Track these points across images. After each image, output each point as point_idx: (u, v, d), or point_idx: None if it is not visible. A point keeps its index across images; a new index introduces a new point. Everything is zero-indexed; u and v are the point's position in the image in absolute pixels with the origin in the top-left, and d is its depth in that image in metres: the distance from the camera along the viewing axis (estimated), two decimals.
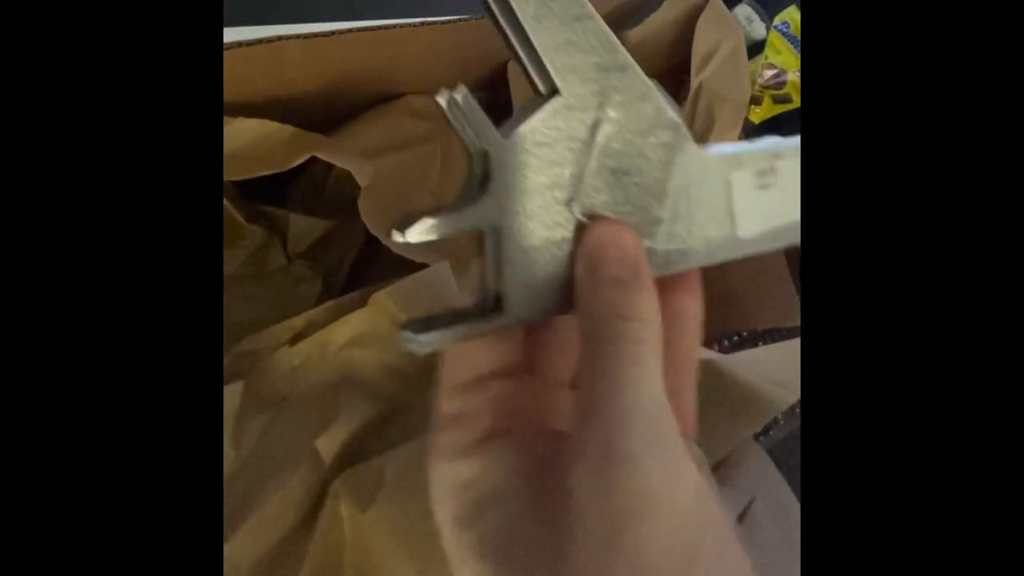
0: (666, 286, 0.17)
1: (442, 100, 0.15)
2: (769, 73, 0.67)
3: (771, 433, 0.51)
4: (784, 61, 0.67)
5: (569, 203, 0.17)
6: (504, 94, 0.47)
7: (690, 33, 0.40)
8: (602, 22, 0.17)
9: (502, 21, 0.16)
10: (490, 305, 0.16)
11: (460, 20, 0.38)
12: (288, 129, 0.33)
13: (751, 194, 0.18)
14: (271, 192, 0.40)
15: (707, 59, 0.40)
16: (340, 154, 0.33)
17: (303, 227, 0.39)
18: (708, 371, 0.45)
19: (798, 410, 0.50)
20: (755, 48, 0.71)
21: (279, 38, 0.33)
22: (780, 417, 0.53)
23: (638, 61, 0.16)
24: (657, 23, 0.40)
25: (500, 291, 0.16)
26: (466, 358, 0.17)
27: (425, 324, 0.15)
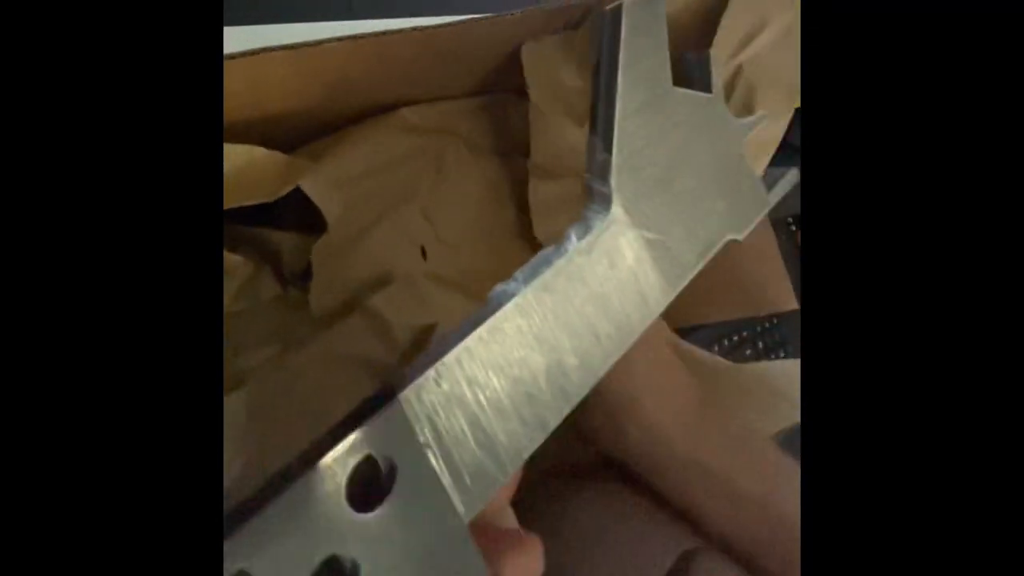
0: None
1: None
2: None
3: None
4: None
5: None
6: (497, 97, 0.45)
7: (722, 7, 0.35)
8: None
9: None
10: None
11: (450, 24, 0.36)
12: (278, 156, 0.31)
13: None
14: (257, 214, 0.38)
15: (749, 37, 0.35)
16: (318, 187, 0.32)
17: (297, 246, 0.37)
18: (711, 376, 0.44)
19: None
20: None
21: (264, 50, 0.31)
22: None
23: None
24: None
25: None
26: None
27: None
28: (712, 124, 0.21)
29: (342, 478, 0.12)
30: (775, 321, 0.52)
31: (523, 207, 0.43)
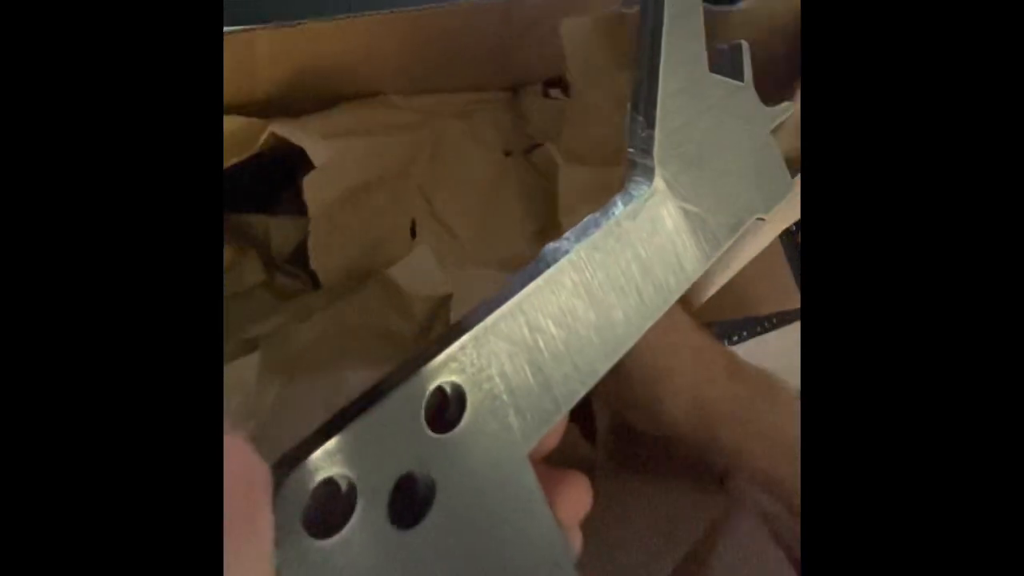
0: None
1: None
2: None
3: None
4: None
5: None
6: (492, 94, 0.46)
7: None
8: None
9: None
10: None
11: (438, 7, 0.36)
12: (255, 121, 0.31)
13: None
14: (246, 203, 0.38)
15: None
16: (297, 132, 0.32)
17: (286, 229, 0.37)
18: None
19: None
20: None
21: (247, 30, 0.31)
22: None
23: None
24: None
25: None
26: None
27: None
28: (743, 109, 0.23)
29: (420, 402, 0.14)
30: (774, 321, 0.51)
31: (526, 206, 0.43)
